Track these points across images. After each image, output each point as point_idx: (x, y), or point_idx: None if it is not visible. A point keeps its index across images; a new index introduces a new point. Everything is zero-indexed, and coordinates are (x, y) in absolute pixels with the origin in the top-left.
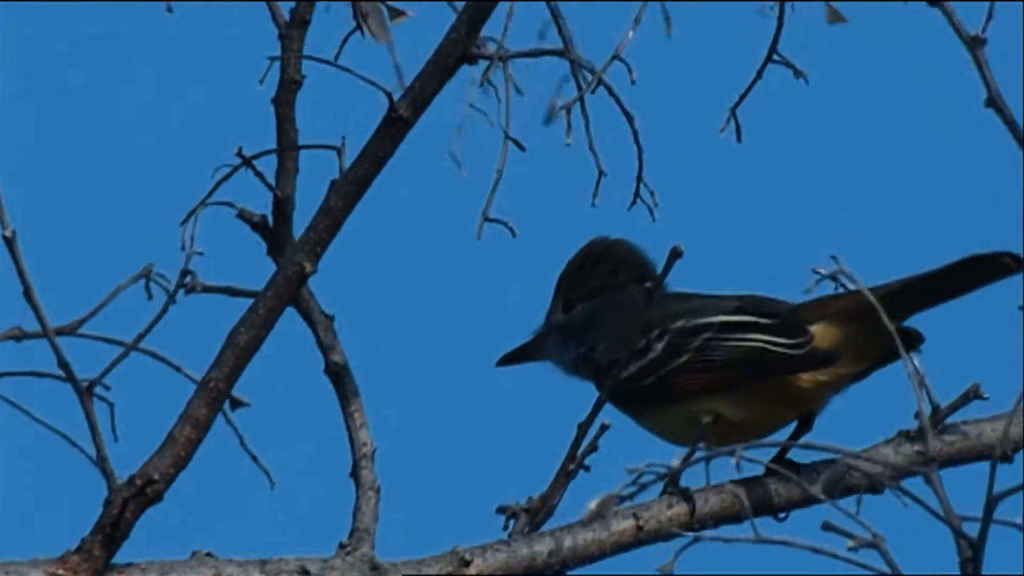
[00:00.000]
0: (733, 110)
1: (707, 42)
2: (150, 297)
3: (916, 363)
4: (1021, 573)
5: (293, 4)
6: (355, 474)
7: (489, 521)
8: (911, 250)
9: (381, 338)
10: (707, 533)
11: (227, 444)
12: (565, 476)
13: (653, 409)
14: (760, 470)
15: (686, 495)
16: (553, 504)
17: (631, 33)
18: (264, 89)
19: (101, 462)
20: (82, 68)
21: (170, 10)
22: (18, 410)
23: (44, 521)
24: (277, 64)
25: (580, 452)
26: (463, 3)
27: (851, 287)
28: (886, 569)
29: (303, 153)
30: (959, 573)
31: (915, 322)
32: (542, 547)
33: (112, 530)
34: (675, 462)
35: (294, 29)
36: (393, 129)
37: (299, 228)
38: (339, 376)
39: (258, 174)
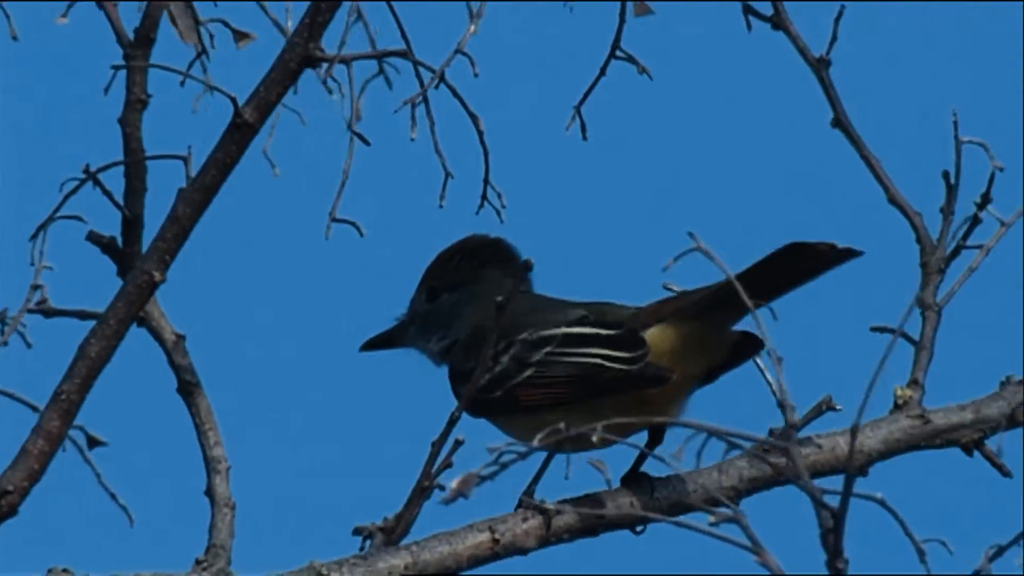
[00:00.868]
0: (578, 108)
1: (552, 40)
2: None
3: (775, 357)
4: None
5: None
6: (210, 491)
7: (346, 537)
8: (757, 248)
9: (234, 353)
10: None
11: (81, 458)
12: (420, 493)
13: (507, 419)
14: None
15: (541, 508)
16: (409, 522)
17: (473, 28)
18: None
19: None
20: None
21: (15, 38)
22: None
23: None
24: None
25: (435, 469)
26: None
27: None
28: (747, 543)
29: (154, 170)
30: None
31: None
32: (399, 560)
33: None
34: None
35: (138, 49)
36: (238, 134)
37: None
38: (191, 394)
39: (106, 192)
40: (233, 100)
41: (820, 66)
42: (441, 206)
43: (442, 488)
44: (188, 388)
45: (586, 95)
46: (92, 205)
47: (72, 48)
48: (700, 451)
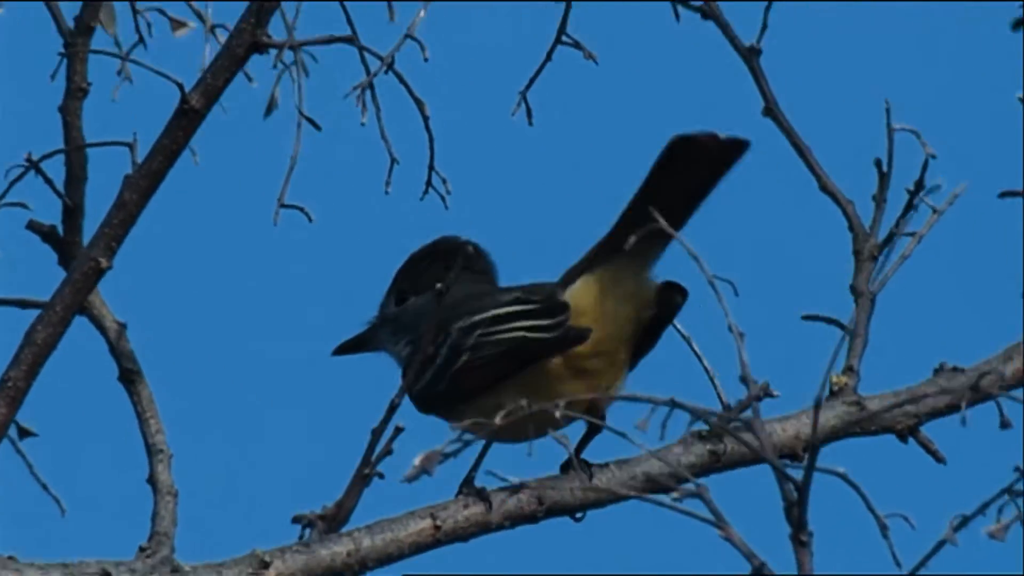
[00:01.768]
0: (523, 93)
1: (499, 26)
2: None
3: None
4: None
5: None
6: (152, 479)
7: (287, 525)
8: (691, 233)
9: (176, 341)
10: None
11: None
12: (361, 481)
13: (453, 409)
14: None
15: (482, 495)
16: (349, 510)
17: (423, 13)
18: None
19: None
20: None
21: None
22: None
23: None
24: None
25: (375, 457)
26: None
27: None
28: (711, 518)
29: (100, 158)
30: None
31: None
32: (341, 548)
33: None
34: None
35: (79, 36)
36: (185, 120)
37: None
38: (132, 383)
39: (47, 181)
40: (180, 86)
41: (750, 55)
42: (387, 192)
43: (382, 476)
44: (130, 376)
45: (532, 80)
46: (33, 194)
47: (15, 37)
48: (664, 423)
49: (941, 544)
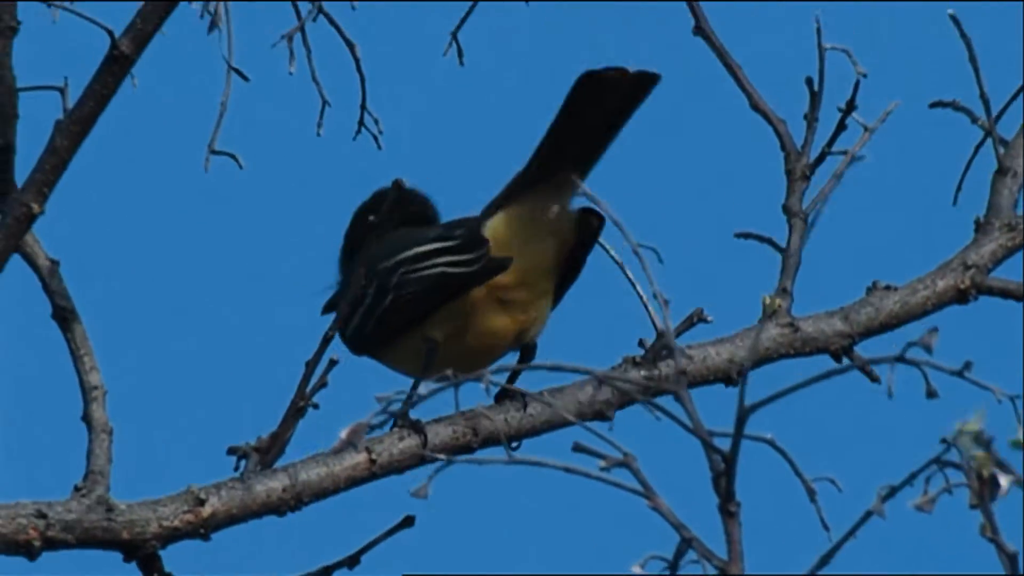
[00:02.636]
0: (454, 34)
1: None
2: None
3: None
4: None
5: None
6: (86, 417)
7: (223, 461)
8: (633, 150)
9: (110, 280)
10: (460, 457)
11: None
12: (295, 413)
13: (385, 349)
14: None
15: (417, 427)
16: (284, 442)
17: None
18: None
19: None
20: None
21: None
22: None
23: None
24: None
25: (309, 389)
26: None
27: None
28: (639, 487)
29: (30, 103)
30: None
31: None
32: (276, 483)
33: None
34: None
35: None
36: (115, 66)
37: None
38: (66, 320)
39: None
40: (110, 32)
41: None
42: (319, 134)
43: (316, 407)
44: (63, 314)
45: (463, 21)
46: None
47: None
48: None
49: (868, 515)
